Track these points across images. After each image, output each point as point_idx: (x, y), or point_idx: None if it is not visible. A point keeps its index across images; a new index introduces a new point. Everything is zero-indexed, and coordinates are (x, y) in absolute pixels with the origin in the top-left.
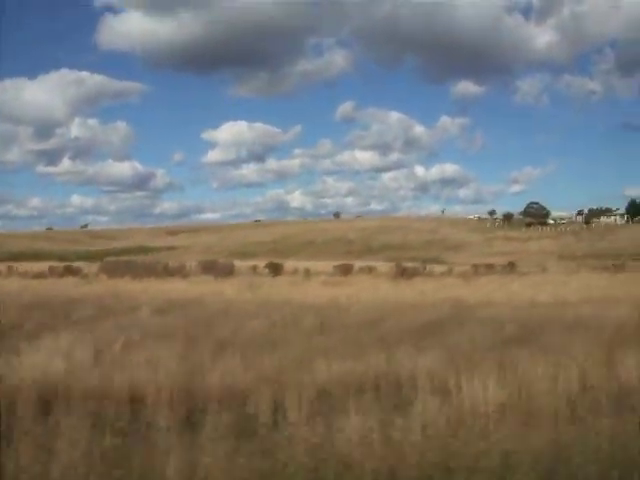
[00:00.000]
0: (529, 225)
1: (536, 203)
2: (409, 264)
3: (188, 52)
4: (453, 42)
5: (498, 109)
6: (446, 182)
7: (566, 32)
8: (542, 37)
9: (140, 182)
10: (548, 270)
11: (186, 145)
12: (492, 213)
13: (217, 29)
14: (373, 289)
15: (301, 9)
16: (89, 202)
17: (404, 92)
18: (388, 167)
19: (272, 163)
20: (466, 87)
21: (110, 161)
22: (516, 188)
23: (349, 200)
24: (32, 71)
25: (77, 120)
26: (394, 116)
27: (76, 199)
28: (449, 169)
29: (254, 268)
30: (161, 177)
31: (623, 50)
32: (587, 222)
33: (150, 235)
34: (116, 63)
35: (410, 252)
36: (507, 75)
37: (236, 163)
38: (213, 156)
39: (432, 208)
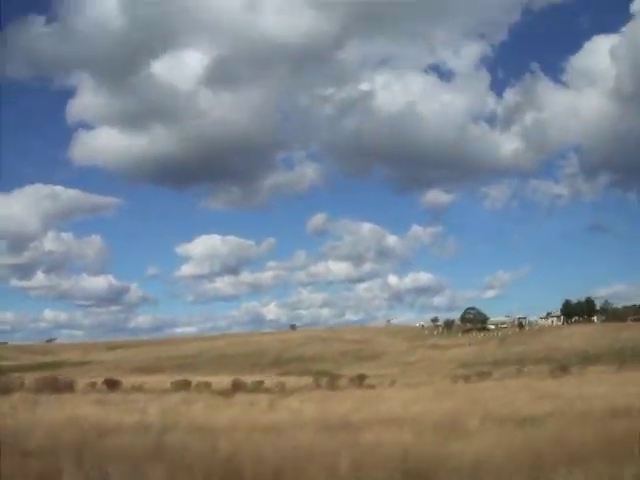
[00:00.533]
0: (467, 331)
1: (473, 309)
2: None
3: (161, 167)
4: (420, 152)
5: (468, 216)
6: (420, 290)
7: (530, 139)
8: (507, 144)
9: (114, 296)
10: (397, 383)
11: (160, 259)
12: (435, 320)
13: (189, 144)
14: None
15: (271, 124)
16: (63, 316)
17: (374, 203)
18: (362, 277)
19: (246, 276)
20: (435, 196)
21: (84, 275)
22: (490, 293)
23: (325, 311)
24: (6, 186)
25: (51, 234)
26: (366, 227)
27: (49, 313)
28: (423, 277)
29: (93, 384)
30: (135, 291)
31: (586, 155)
32: (520, 326)
33: (88, 350)
34: (90, 178)
35: (318, 364)
36: (475, 182)
37: (210, 276)
38: (187, 269)
39: (407, 316)
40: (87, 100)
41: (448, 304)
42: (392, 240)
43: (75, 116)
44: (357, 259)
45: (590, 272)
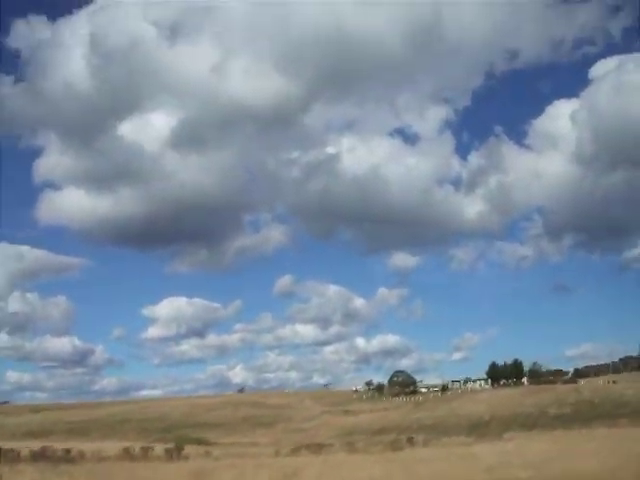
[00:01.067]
0: (396, 395)
1: (402, 372)
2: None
3: (127, 228)
4: (386, 214)
5: (435, 278)
6: (388, 353)
7: (494, 201)
8: (472, 207)
9: (79, 358)
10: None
11: (126, 320)
12: (369, 384)
13: (155, 206)
14: None
15: (237, 186)
16: (26, 378)
17: (341, 265)
18: (329, 340)
19: (212, 338)
20: (402, 258)
21: (48, 336)
22: (457, 355)
23: (292, 374)
24: None
25: (15, 294)
26: (332, 289)
27: (12, 375)
28: (390, 340)
29: None
30: (100, 353)
31: (549, 216)
32: (443, 390)
33: (16, 413)
34: (56, 238)
35: (209, 431)
36: (441, 245)
37: (176, 339)
38: (153, 332)
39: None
40: (54, 160)
41: (415, 366)
42: (359, 302)
43: (42, 176)
44: (324, 321)
45: (559, 333)
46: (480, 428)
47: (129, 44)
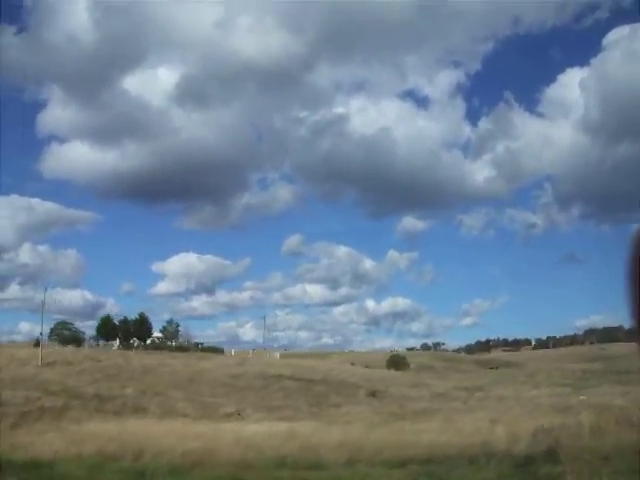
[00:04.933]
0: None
1: (63, 323)
2: None
3: (133, 183)
4: (393, 177)
5: (444, 243)
6: (398, 316)
7: (503, 167)
8: (480, 172)
9: (90, 311)
10: None
11: (135, 275)
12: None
13: (161, 162)
14: None
15: (243, 144)
16: (38, 329)
17: (349, 226)
18: (338, 301)
19: (222, 295)
20: (410, 222)
21: (59, 289)
22: (467, 321)
23: (302, 334)
24: None
25: (26, 246)
26: (342, 250)
27: (25, 326)
28: (400, 303)
29: None
30: (111, 307)
31: (559, 185)
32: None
33: None
34: (63, 191)
35: None
36: (449, 210)
37: (186, 295)
38: (163, 287)
39: (385, 342)
40: (58, 113)
41: (426, 330)
42: (369, 264)
43: (46, 129)
44: (333, 282)
45: (568, 302)
46: None
47: None
